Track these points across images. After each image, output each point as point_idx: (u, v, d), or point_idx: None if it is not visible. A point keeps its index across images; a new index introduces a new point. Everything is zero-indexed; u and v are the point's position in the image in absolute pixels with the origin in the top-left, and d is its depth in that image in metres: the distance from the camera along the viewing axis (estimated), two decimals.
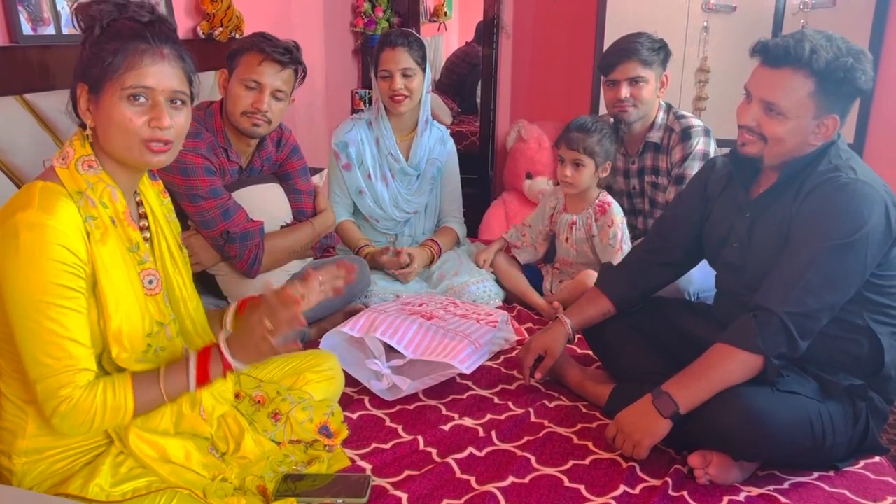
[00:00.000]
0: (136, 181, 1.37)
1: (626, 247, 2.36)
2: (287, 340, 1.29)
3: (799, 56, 1.52)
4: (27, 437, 1.27)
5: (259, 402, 1.58)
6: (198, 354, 1.33)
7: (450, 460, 1.60)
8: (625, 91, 2.37)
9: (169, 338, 1.37)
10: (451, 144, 2.78)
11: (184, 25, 2.62)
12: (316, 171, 2.99)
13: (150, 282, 1.34)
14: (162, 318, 1.35)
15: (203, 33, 2.65)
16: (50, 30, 1.98)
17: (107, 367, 1.28)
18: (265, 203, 2.13)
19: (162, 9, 2.46)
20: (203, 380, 1.31)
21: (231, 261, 2.02)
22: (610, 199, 2.40)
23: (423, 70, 2.53)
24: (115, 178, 1.30)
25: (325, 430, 1.58)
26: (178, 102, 1.30)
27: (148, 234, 1.38)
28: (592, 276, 2.24)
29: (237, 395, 1.58)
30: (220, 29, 2.67)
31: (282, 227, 2.16)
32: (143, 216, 1.39)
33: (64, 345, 1.19)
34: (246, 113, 1.98)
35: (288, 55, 1.98)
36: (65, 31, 2.02)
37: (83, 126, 1.29)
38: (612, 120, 2.39)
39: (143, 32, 1.25)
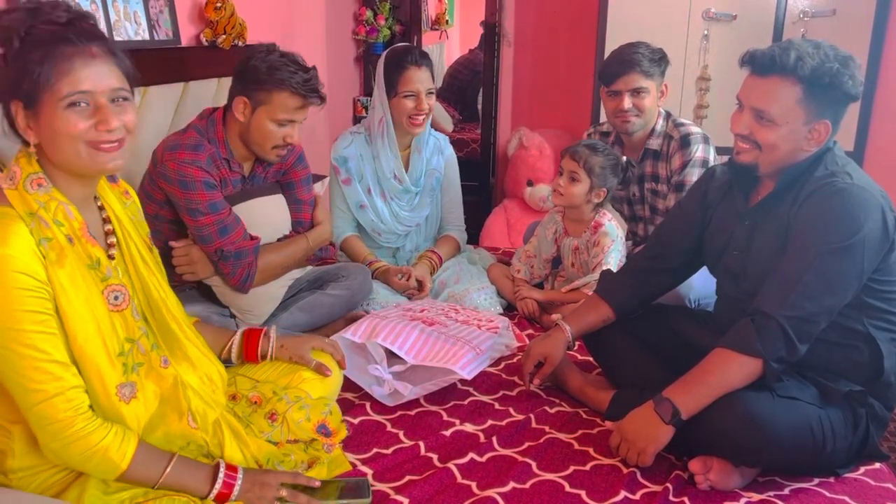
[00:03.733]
0: (91, 190, 1.32)
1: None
2: None
3: (784, 64, 1.54)
4: (16, 457, 1.25)
5: (256, 402, 1.57)
6: (228, 467, 1.36)
7: (451, 466, 1.61)
8: (627, 102, 2.38)
9: (143, 352, 1.33)
10: (449, 151, 2.76)
11: (187, 33, 2.64)
12: (318, 178, 2.99)
13: (116, 297, 1.30)
14: (131, 334, 1.31)
15: (206, 41, 2.66)
16: None
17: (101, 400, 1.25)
18: (266, 216, 2.11)
19: (166, 16, 2.48)
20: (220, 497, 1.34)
21: (223, 277, 2.01)
22: (605, 220, 2.39)
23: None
24: (68, 192, 1.25)
25: (323, 429, 1.57)
26: (121, 100, 1.24)
27: (114, 240, 1.34)
28: None
29: (233, 397, 1.58)
30: (224, 36, 2.68)
31: (279, 239, 2.15)
32: (107, 221, 1.35)
33: (47, 367, 1.17)
34: (276, 146, 1.97)
35: (320, 96, 1.96)
36: None
37: (26, 144, 1.23)
38: (624, 159, 2.41)
39: (65, 34, 1.18)
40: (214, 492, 1.32)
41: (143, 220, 1.49)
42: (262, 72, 1.90)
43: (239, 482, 1.34)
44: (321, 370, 1.67)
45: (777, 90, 1.57)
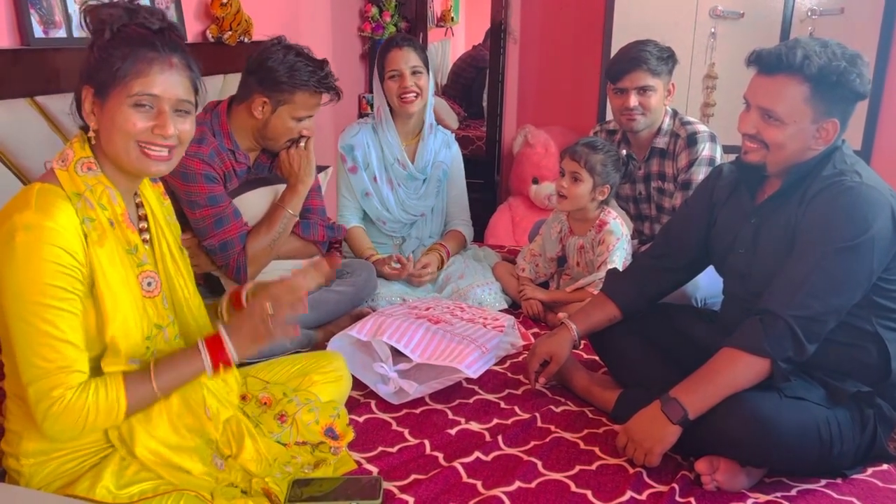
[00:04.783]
0: (136, 185, 1.38)
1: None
2: (285, 325, 1.34)
3: (791, 62, 1.53)
4: (33, 439, 1.27)
5: (265, 403, 1.58)
6: (206, 341, 1.34)
7: (456, 464, 1.60)
8: (633, 100, 2.37)
9: (167, 340, 1.37)
10: (455, 148, 2.79)
11: (193, 29, 2.64)
12: (321, 168, 2.99)
13: (149, 284, 1.34)
14: (160, 321, 1.35)
15: (212, 37, 2.66)
16: (61, 32, 1.99)
17: (105, 368, 1.27)
18: (270, 205, 2.13)
19: (172, 13, 2.47)
20: (218, 365, 1.33)
21: (220, 270, 2.03)
22: (610, 218, 2.38)
23: (428, 73, 2.55)
24: (115, 181, 1.31)
25: (330, 433, 1.58)
26: (183, 111, 1.31)
27: (148, 236, 1.39)
28: None
29: (243, 397, 1.58)
30: (230, 33, 2.68)
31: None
32: (144, 218, 1.39)
33: (57, 346, 1.19)
34: (291, 139, 2.04)
35: (339, 94, 2.05)
36: (76, 34, 2.03)
37: (85, 128, 1.30)
38: (624, 153, 2.39)
39: (152, 40, 1.26)
40: (208, 362, 1.32)
41: (176, 222, 1.52)
42: (281, 73, 1.95)
43: (226, 340, 1.33)
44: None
45: (784, 89, 1.56)
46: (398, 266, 2.52)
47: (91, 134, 1.28)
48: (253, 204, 2.07)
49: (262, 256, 2.05)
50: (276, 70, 1.94)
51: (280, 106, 1.97)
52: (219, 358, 1.33)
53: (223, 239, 1.97)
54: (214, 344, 1.34)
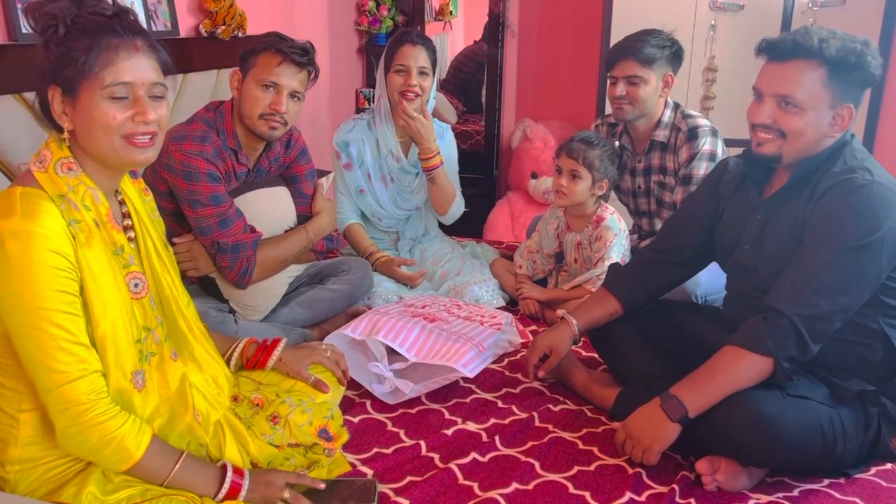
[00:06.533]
0: (117, 181, 1.34)
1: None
2: None
3: (808, 47, 1.51)
4: (19, 446, 1.24)
5: (258, 405, 1.55)
6: (234, 470, 1.33)
7: (452, 466, 1.58)
8: (620, 89, 2.34)
9: (157, 342, 1.34)
10: (449, 136, 2.76)
11: (186, 23, 2.61)
12: (323, 173, 2.96)
13: (136, 285, 1.31)
14: (148, 323, 1.32)
15: (205, 31, 2.63)
16: None
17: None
18: (271, 207, 2.10)
19: (164, 7, 2.44)
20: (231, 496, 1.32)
21: (222, 271, 1.99)
22: (607, 213, 2.35)
23: (433, 75, 2.53)
24: (96, 179, 1.27)
25: (324, 434, 1.55)
26: (157, 96, 1.27)
27: (133, 234, 1.35)
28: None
29: (235, 399, 1.56)
30: (223, 27, 2.65)
31: (285, 231, 2.13)
32: (127, 216, 1.36)
33: (72, 349, 1.17)
34: (264, 115, 1.94)
35: (306, 56, 1.96)
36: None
37: (58, 129, 1.25)
38: (617, 144, 2.36)
39: (112, 26, 1.21)
40: (222, 493, 1.30)
41: (160, 217, 1.49)
42: (250, 44, 1.97)
43: (246, 483, 1.33)
44: (319, 387, 1.63)
45: (802, 74, 1.53)
46: (408, 273, 2.50)
47: (66, 135, 1.24)
48: (252, 206, 2.03)
49: (269, 267, 2.04)
50: (250, 44, 1.98)
51: (247, 73, 1.96)
52: (231, 493, 1.32)
53: (236, 240, 1.94)
54: (234, 483, 1.32)
